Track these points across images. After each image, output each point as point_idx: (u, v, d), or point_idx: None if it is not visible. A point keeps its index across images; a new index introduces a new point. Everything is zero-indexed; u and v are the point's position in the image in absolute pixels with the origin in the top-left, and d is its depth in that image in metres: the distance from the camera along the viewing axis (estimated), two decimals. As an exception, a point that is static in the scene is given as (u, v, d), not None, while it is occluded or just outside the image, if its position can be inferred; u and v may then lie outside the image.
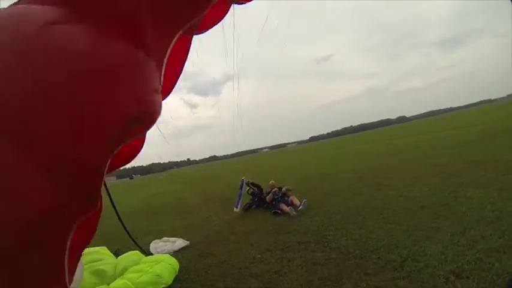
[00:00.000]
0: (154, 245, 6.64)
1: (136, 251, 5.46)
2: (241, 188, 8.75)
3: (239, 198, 8.50)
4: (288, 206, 7.39)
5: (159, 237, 7.16)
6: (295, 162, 27.62)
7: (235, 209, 8.44)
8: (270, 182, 8.65)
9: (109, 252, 5.63)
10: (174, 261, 4.93)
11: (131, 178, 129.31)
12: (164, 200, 16.62)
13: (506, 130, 15.02)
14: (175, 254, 5.88)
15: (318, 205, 7.53)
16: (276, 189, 8.19)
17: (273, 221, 7.16)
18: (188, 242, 6.57)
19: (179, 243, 6.53)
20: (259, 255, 5.04)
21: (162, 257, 5.00)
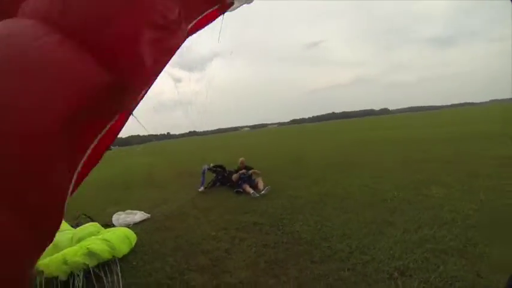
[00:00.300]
0: (117, 217, 6.52)
1: (96, 223, 5.21)
2: (203, 174, 8.84)
3: (203, 181, 8.71)
4: (252, 188, 7.33)
5: (125, 209, 6.95)
6: (271, 144, 27.54)
7: (199, 190, 8.50)
8: (240, 159, 8.46)
9: (68, 225, 5.33)
10: (130, 234, 4.75)
11: (109, 149, 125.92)
12: (138, 172, 16.13)
13: (481, 133, 15.31)
14: (135, 226, 5.84)
15: (282, 188, 7.42)
16: (244, 170, 8.04)
17: (235, 199, 7.05)
18: (149, 215, 6.50)
19: (139, 215, 6.47)
20: (214, 233, 4.97)
21: (121, 229, 4.86)
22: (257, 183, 7.55)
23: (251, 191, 7.20)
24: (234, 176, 7.98)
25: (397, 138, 18.51)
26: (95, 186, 11.44)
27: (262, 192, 7.12)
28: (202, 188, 8.52)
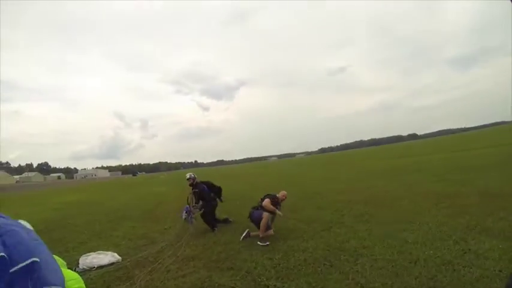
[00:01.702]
0: (85, 257, 5.73)
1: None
2: (186, 211, 7.48)
3: (190, 217, 7.49)
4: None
5: (105, 245, 6.55)
6: (292, 175, 25.72)
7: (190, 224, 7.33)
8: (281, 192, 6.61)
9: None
10: (77, 283, 3.53)
11: (134, 175, 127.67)
12: (145, 202, 15.25)
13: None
14: (97, 270, 5.19)
15: (285, 235, 5.97)
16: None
17: (222, 247, 5.71)
18: (120, 258, 5.68)
19: (108, 258, 5.68)
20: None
21: (71, 275, 3.64)
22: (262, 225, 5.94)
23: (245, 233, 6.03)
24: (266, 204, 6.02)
25: (426, 166, 16.43)
26: (93, 216, 11.11)
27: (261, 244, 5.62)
28: (191, 223, 7.33)
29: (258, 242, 5.59)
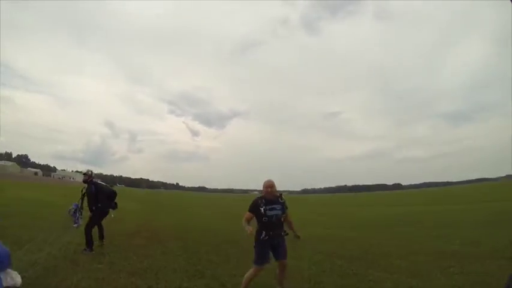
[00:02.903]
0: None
1: None
2: (74, 213, 7.31)
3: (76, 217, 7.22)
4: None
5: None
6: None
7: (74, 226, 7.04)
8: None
9: None
10: None
11: (111, 186, 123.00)
12: None
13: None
14: None
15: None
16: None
17: None
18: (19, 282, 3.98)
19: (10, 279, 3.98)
20: None
21: None
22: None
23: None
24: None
25: (419, 218, 14.90)
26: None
27: None
28: (77, 225, 6.99)
29: None
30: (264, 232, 3.98)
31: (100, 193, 6.67)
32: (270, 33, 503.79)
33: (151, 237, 8.82)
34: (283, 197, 4.30)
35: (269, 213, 4.00)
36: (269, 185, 4.14)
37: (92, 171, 6.93)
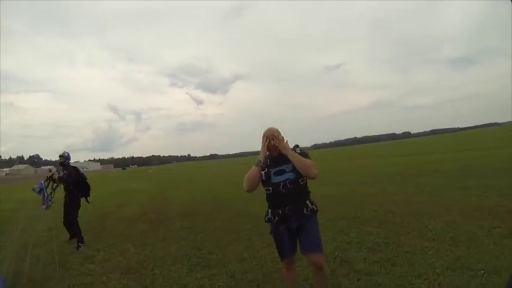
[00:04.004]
0: None
1: None
2: (39, 192, 5.92)
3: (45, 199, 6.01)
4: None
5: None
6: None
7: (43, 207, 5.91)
8: None
9: None
10: None
11: (124, 168, 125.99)
12: (101, 206, 12.39)
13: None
14: None
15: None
16: None
17: None
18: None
19: None
20: None
21: None
22: None
23: None
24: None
25: (440, 167, 13.91)
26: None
27: None
28: (45, 206, 5.87)
29: None
30: (269, 211, 2.61)
31: (80, 177, 6.08)
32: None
33: (155, 220, 8.21)
34: (297, 150, 2.74)
35: (274, 179, 2.53)
36: (271, 135, 2.59)
37: (68, 153, 6.13)
